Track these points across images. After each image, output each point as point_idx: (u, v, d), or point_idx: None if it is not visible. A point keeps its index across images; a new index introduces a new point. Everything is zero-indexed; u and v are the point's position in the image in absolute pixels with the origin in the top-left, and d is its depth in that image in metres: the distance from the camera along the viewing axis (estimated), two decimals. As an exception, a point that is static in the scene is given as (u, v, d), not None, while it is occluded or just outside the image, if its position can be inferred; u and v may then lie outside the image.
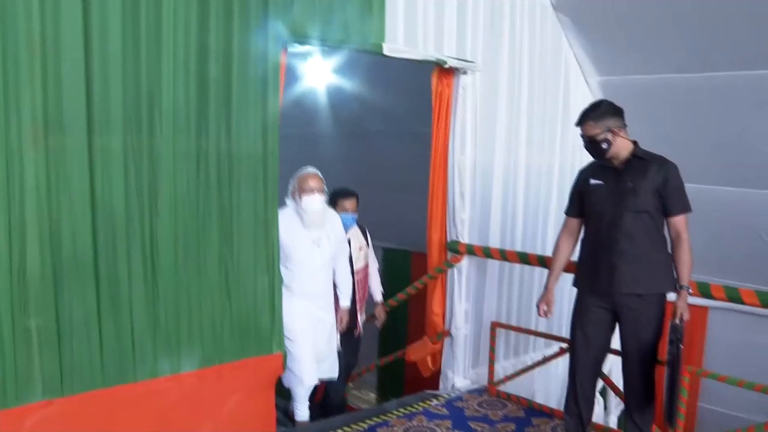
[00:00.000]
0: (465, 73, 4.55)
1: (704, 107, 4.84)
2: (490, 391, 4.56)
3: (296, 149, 4.96)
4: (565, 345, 4.18)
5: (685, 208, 3.30)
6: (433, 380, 4.87)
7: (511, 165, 5.01)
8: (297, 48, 3.82)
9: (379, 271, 4.80)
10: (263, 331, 3.52)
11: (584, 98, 5.49)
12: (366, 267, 4.53)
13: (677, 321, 3.21)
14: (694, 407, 5.52)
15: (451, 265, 4.70)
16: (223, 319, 3.36)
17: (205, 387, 3.32)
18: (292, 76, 4.10)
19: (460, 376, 4.77)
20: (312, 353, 3.87)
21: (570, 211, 3.63)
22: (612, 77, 5.34)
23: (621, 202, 3.32)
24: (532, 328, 4.88)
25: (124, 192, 2.94)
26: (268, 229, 3.48)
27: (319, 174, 3.90)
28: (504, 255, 4.59)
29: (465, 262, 4.71)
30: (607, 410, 5.61)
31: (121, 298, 3.00)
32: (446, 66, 4.39)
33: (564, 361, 4.27)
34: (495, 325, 4.59)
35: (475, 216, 4.78)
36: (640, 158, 3.33)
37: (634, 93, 5.14)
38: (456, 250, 4.64)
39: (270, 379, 3.61)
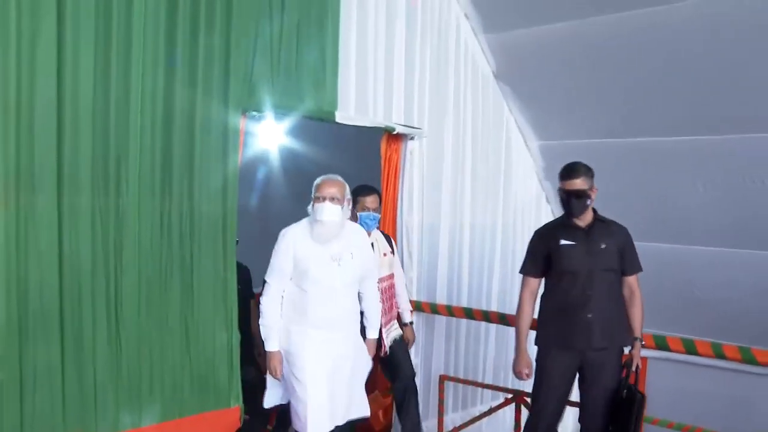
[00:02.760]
0: (412, 138, 4.84)
1: (631, 169, 5.22)
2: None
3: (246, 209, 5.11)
4: (510, 395, 4.38)
5: (639, 267, 3.57)
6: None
7: (457, 224, 5.28)
8: (254, 114, 4.04)
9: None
10: (221, 385, 3.61)
11: (525, 161, 5.86)
12: (392, 276, 4.16)
13: (633, 369, 3.45)
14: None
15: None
16: (183, 373, 3.45)
17: (165, 441, 3.40)
18: (247, 138, 4.27)
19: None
20: (324, 398, 3.32)
21: (532, 272, 3.65)
22: (550, 141, 5.73)
23: (595, 261, 3.46)
24: (480, 380, 5.07)
25: (90, 249, 3.07)
26: (227, 285, 3.62)
27: (340, 180, 3.43)
28: (450, 311, 4.80)
29: (414, 319, 4.89)
30: None
31: (84, 351, 3.08)
32: (395, 132, 4.67)
33: (510, 411, 4.46)
34: (444, 378, 4.75)
35: (423, 273, 5.00)
36: (601, 220, 3.55)
37: (570, 156, 5.46)
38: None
39: (228, 432, 3.69)
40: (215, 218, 3.54)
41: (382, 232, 4.23)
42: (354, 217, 3.81)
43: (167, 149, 3.33)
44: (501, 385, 4.87)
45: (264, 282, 3.42)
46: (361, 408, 3.55)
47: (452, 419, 5.03)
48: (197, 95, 3.42)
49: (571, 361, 3.51)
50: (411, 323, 4.38)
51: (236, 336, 3.68)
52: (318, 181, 3.42)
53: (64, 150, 2.97)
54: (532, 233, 3.74)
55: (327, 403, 3.31)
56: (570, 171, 3.55)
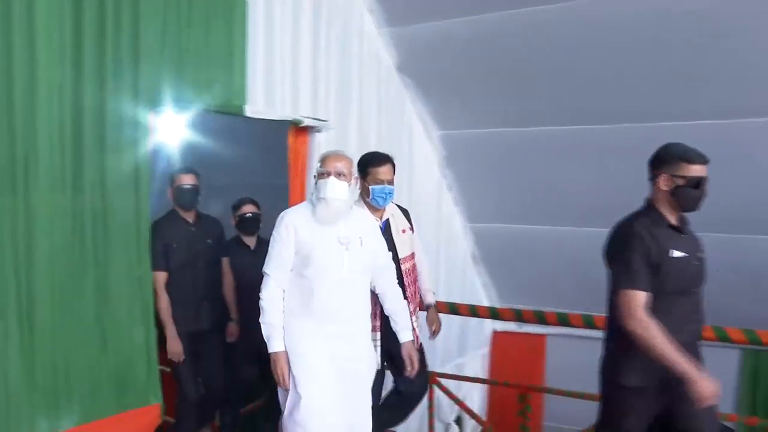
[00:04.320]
0: (319, 131, 4.90)
1: (529, 156, 5.53)
2: None
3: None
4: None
5: None
6: None
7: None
8: (164, 109, 4.00)
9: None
10: (140, 383, 3.57)
11: (427, 151, 6.06)
12: (413, 256, 3.69)
13: None
14: (539, 425, 6.10)
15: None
16: (101, 374, 3.39)
17: (84, 443, 3.34)
18: (157, 133, 4.21)
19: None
20: (330, 403, 2.94)
21: (647, 286, 2.74)
22: (450, 131, 5.95)
23: (702, 276, 2.89)
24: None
25: None
26: (142, 282, 3.58)
27: (346, 154, 3.14)
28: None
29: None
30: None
31: (-5, 356, 2.99)
32: (302, 125, 4.73)
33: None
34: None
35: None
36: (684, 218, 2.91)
37: (470, 145, 5.78)
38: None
39: (148, 430, 3.66)
40: (128, 215, 3.49)
41: (399, 206, 3.75)
42: (366, 191, 3.51)
43: (77, 146, 3.25)
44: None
45: (263, 275, 3.08)
46: (363, 424, 3.08)
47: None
48: (106, 91, 3.35)
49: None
50: (434, 306, 3.88)
51: (153, 332, 3.65)
52: (323, 155, 3.12)
53: (-31, 149, 2.86)
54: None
55: (330, 410, 2.94)
56: (696, 154, 2.81)
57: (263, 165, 5.73)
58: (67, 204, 3.22)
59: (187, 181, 4.09)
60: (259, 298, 3.07)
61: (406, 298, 3.42)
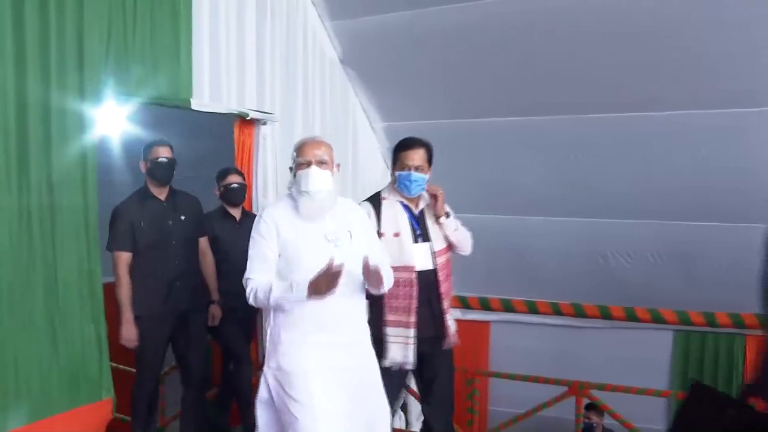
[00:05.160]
0: (264, 123, 4.93)
1: (473, 148, 5.66)
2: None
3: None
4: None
5: None
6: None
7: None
8: (110, 103, 3.95)
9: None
10: (92, 378, 3.55)
11: (371, 142, 6.14)
12: (448, 249, 3.44)
13: None
14: (485, 410, 6.27)
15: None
16: (52, 371, 3.36)
17: (35, 441, 3.31)
18: (103, 127, 4.15)
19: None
20: (335, 420, 2.60)
21: None
22: (394, 123, 6.04)
23: None
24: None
25: (-54, 251, 2.92)
26: (93, 277, 3.55)
27: (325, 141, 2.81)
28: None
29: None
30: (409, 423, 6.16)
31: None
32: (248, 118, 4.74)
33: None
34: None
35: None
36: None
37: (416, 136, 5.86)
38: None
39: (100, 426, 3.64)
40: (76, 211, 3.45)
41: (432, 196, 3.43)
42: (393, 177, 3.34)
43: (22, 144, 3.20)
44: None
45: (246, 281, 2.74)
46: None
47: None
48: (51, 85, 3.30)
49: None
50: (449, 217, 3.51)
51: (104, 327, 3.61)
52: (299, 142, 2.79)
53: None
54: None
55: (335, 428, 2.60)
56: None
57: (209, 157, 5.72)
58: (14, 202, 3.17)
59: (164, 153, 3.93)
60: (248, 305, 2.78)
61: (439, 294, 3.25)
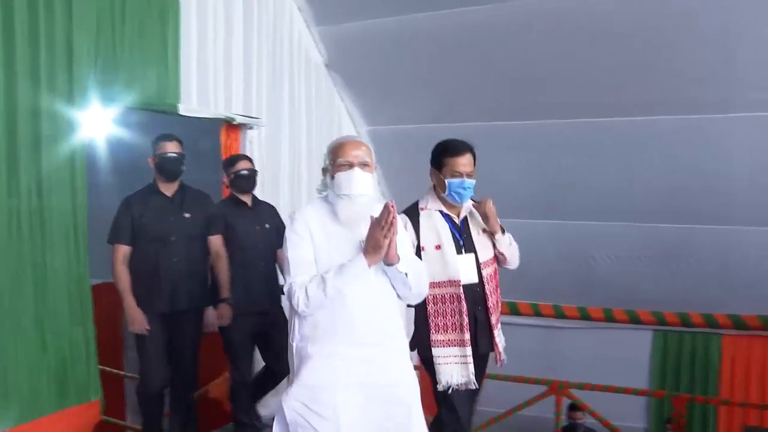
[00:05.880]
0: (251, 128, 4.98)
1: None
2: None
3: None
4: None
5: None
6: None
7: (296, 210, 5.50)
8: (98, 107, 3.99)
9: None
10: (80, 379, 3.59)
11: (356, 146, 6.20)
12: (495, 259, 3.20)
13: None
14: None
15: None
16: (41, 373, 3.39)
17: (24, 443, 3.34)
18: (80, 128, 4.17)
19: (263, 405, 5.07)
20: None
21: None
22: (378, 127, 6.12)
23: None
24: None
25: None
26: (81, 280, 3.59)
27: (365, 143, 2.59)
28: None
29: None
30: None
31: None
32: (235, 122, 4.79)
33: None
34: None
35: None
36: None
37: (398, 140, 5.95)
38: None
39: (88, 427, 3.68)
40: (66, 214, 3.50)
41: (474, 201, 3.22)
42: (441, 185, 3.10)
43: (12, 147, 3.24)
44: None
45: (291, 286, 2.46)
46: None
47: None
48: (40, 89, 3.36)
49: None
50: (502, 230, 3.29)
51: (92, 330, 3.66)
52: (336, 142, 2.55)
53: None
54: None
55: None
56: None
57: (196, 161, 5.77)
58: (3, 205, 3.21)
59: (172, 149, 3.83)
60: (297, 311, 2.47)
61: (487, 308, 3.05)
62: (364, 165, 2.47)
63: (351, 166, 2.45)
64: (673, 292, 5.45)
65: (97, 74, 3.69)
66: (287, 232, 2.53)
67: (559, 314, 4.05)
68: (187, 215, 3.88)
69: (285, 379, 4.10)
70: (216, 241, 4.00)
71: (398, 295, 2.53)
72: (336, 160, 2.48)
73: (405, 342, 2.59)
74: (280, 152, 5.33)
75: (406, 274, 2.44)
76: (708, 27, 4.43)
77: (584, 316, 4.14)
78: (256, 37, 4.97)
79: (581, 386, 4.36)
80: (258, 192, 5.01)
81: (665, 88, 4.90)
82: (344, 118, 6.08)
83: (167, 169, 3.85)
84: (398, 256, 2.41)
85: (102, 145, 5.20)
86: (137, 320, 3.76)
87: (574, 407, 5.09)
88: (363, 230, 2.41)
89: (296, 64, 5.44)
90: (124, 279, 3.76)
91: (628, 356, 6.19)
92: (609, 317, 4.15)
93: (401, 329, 2.56)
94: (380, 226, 2.33)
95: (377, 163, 6.26)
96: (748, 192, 5.15)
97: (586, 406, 4.62)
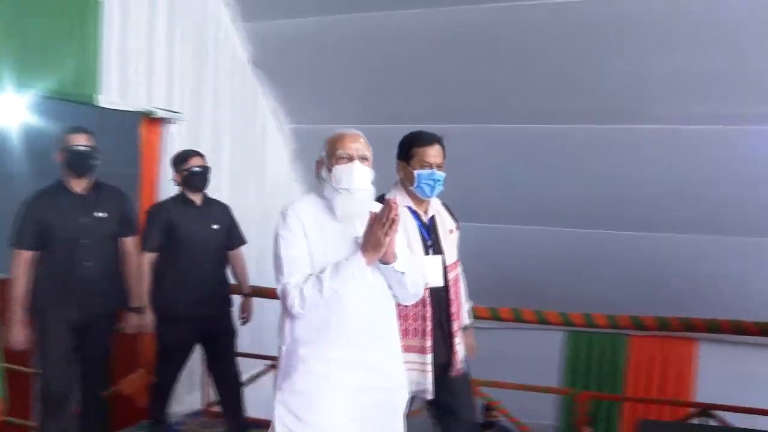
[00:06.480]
0: (172, 122, 4.91)
1: (376, 152, 5.80)
2: (208, 413, 4.91)
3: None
4: (270, 362, 4.68)
5: None
6: (145, 411, 4.97)
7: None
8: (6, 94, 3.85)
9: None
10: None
11: (278, 143, 6.21)
12: (458, 263, 3.03)
13: None
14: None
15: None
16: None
17: None
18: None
19: (175, 402, 5.00)
20: None
21: None
22: (301, 125, 6.13)
23: None
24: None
25: None
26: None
27: (363, 137, 2.49)
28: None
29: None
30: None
31: None
32: (155, 116, 4.72)
33: (269, 378, 4.75)
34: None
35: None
36: None
37: (321, 139, 5.96)
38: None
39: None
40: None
41: (443, 203, 3.08)
42: (409, 177, 2.91)
43: None
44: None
45: (285, 286, 2.33)
46: None
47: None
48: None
49: None
50: (470, 327, 3.21)
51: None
52: (335, 134, 2.46)
53: None
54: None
55: None
56: None
57: (112, 154, 5.64)
58: None
59: (82, 141, 3.51)
60: (291, 312, 2.34)
61: (450, 314, 2.89)
62: (363, 159, 2.40)
63: (351, 159, 2.37)
64: (579, 295, 5.67)
65: (12, 61, 3.57)
66: (278, 229, 2.39)
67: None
68: (100, 215, 3.60)
69: None
70: (130, 243, 3.77)
71: (394, 296, 2.45)
72: (335, 152, 2.39)
73: (399, 345, 2.50)
74: (200, 148, 5.23)
75: (402, 274, 2.37)
76: (626, 41, 4.65)
77: (495, 316, 4.25)
78: (181, 30, 4.90)
79: (492, 384, 4.45)
80: (176, 188, 4.95)
81: (580, 98, 5.09)
82: (268, 116, 6.05)
83: (78, 163, 3.52)
84: (395, 254, 2.34)
85: (14, 135, 5.05)
86: (17, 337, 3.48)
87: (490, 408, 5.21)
88: (358, 226, 2.33)
89: (221, 60, 5.40)
90: (20, 289, 3.45)
91: (541, 355, 6.41)
92: (518, 318, 4.29)
93: (396, 331, 2.49)
94: (381, 223, 2.24)
95: (298, 160, 6.32)
96: (658, 199, 5.41)
97: (495, 403, 4.74)
